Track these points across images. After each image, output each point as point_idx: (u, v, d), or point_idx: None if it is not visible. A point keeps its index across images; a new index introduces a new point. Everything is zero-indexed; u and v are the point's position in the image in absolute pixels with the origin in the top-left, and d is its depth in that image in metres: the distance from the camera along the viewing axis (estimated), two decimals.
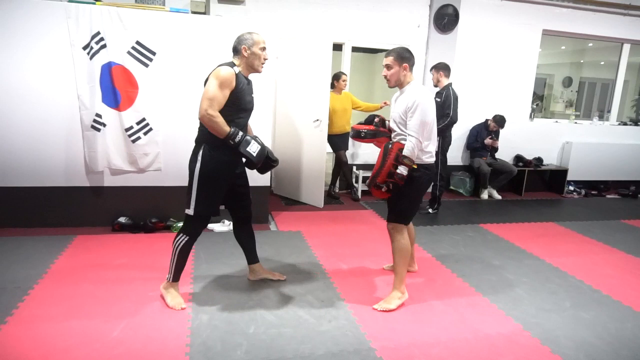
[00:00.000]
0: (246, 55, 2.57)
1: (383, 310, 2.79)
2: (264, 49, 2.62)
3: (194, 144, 2.66)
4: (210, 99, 2.44)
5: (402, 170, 2.68)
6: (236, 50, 2.60)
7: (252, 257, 3.11)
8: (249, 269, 3.15)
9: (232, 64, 2.56)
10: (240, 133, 2.55)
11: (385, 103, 5.40)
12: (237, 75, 2.53)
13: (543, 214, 5.43)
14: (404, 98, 2.76)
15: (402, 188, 2.76)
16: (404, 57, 2.74)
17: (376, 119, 2.98)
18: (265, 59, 2.64)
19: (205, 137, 2.57)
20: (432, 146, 2.79)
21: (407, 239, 2.88)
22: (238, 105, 2.56)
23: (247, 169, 2.82)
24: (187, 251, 2.71)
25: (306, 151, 5.14)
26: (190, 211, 2.62)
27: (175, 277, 2.75)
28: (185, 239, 2.67)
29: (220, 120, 2.47)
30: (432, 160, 2.81)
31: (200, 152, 2.57)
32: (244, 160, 2.70)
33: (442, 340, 2.52)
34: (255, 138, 2.66)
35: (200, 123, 2.57)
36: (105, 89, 3.74)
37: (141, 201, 4.04)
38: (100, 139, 3.81)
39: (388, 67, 2.77)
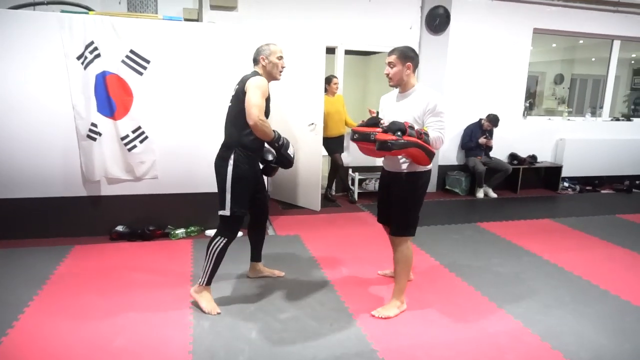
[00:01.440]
0: (264, 64, 2.77)
1: (381, 318, 2.76)
2: (281, 57, 2.81)
3: (220, 148, 2.79)
4: (258, 106, 2.59)
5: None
6: (255, 61, 2.81)
7: (256, 255, 3.26)
8: (250, 265, 3.27)
9: (255, 74, 2.73)
10: (282, 136, 2.80)
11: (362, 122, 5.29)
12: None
13: (539, 211, 5.46)
14: (413, 101, 2.65)
15: (403, 195, 2.72)
16: (407, 56, 2.64)
17: (382, 121, 2.68)
18: (283, 67, 2.84)
19: (237, 141, 2.71)
20: None
21: (410, 249, 2.80)
22: (264, 111, 2.73)
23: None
24: (223, 254, 2.78)
25: (302, 155, 5.15)
26: (226, 212, 2.72)
27: (209, 280, 2.81)
28: (223, 242, 2.75)
29: (269, 124, 2.67)
30: (430, 166, 2.73)
31: (232, 156, 2.71)
32: (260, 166, 2.92)
33: (444, 341, 2.54)
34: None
35: (228, 129, 2.77)
36: (100, 98, 3.73)
37: (138, 209, 4.03)
38: (97, 149, 3.80)
39: (390, 64, 2.66)
